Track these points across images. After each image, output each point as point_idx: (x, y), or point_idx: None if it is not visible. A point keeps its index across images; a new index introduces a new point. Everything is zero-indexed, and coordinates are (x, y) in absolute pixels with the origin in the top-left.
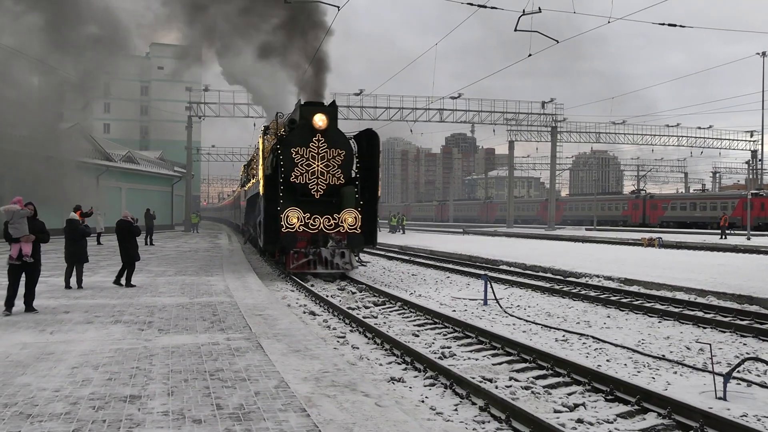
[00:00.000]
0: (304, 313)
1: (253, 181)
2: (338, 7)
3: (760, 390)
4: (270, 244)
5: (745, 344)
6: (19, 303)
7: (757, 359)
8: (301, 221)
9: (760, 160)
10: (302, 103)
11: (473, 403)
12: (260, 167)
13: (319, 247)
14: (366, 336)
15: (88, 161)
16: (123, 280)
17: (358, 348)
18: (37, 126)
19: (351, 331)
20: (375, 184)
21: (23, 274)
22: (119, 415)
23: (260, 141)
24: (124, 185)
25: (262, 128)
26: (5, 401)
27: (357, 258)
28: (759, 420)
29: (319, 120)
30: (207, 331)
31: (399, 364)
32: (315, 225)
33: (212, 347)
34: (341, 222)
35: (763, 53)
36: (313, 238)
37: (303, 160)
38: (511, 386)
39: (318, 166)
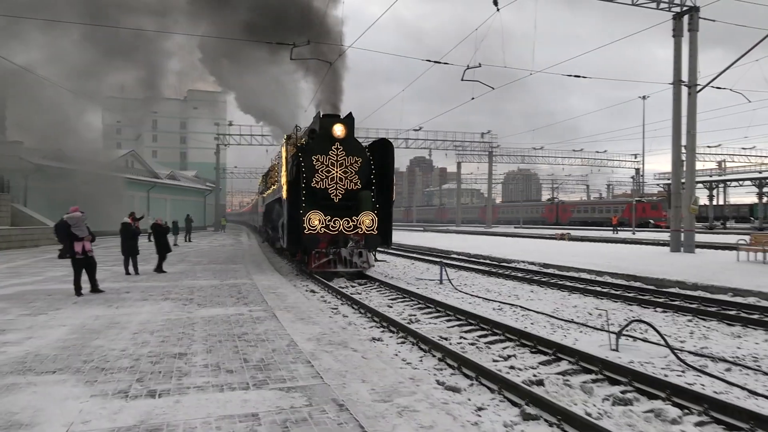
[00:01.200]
0: (306, 291)
1: (273, 187)
2: (330, 62)
3: (642, 344)
4: (293, 245)
5: (631, 310)
6: (86, 287)
7: (640, 321)
8: (323, 223)
9: (641, 176)
10: (321, 115)
11: (434, 356)
12: (283, 173)
13: (339, 247)
14: (353, 307)
15: (140, 178)
16: (158, 267)
17: (347, 316)
18: (100, 154)
19: (342, 304)
20: (389, 188)
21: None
22: (171, 367)
23: (283, 150)
24: (169, 197)
25: (284, 137)
26: (85, 358)
27: (374, 257)
28: (642, 365)
29: (338, 130)
30: (234, 305)
31: (378, 327)
32: (335, 227)
33: (239, 317)
34: (359, 224)
35: (644, 97)
36: (334, 239)
37: (323, 166)
38: (461, 343)
39: (337, 172)
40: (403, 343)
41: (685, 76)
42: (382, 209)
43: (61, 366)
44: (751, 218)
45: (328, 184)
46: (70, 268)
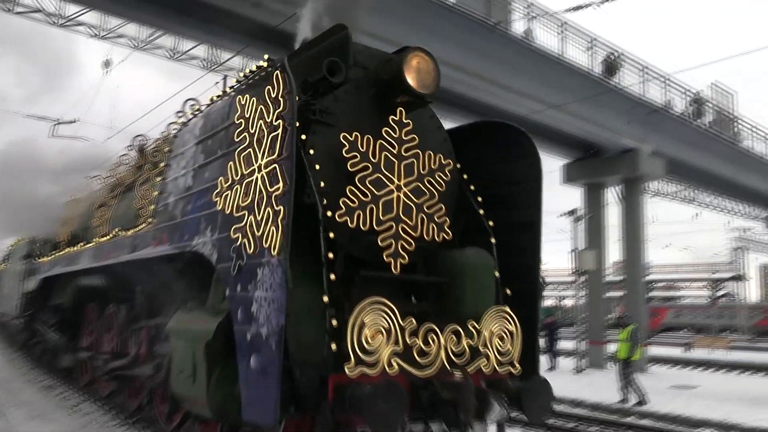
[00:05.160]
0: (43, 387)
1: (137, 228)
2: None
3: None
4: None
5: None
6: None
7: None
8: (398, 341)
9: None
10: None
11: None
12: (259, 168)
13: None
14: (96, 404)
15: None
16: None
17: (89, 413)
18: None
19: (84, 401)
20: (534, 244)
21: None
22: None
23: (253, 101)
24: None
25: (237, 81)
26: None
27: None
28: None
29: (419, 69)
30: None
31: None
32: (429, 354)
33: None
34: (483, 343)
35: None
36: (439, 395)
37: (368, 168)
38: None
39: (401, 188)
40: None
41: None
42: (523, 300)
43: None
44: None
45: (380, 220)
46: None
